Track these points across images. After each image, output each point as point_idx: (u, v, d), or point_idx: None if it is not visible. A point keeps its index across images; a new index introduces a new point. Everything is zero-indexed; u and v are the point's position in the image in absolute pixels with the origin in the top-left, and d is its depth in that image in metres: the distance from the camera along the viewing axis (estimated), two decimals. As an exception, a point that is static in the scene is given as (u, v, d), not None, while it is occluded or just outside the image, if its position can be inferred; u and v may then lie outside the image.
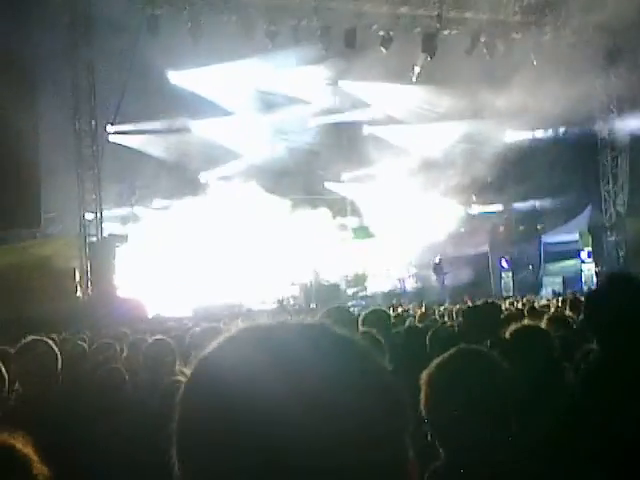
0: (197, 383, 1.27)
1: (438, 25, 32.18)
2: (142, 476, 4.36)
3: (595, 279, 31.52)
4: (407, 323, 10.81)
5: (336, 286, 30.93)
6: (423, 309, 16.07)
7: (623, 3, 25.76)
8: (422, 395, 2.98)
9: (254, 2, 30.41)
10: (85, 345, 10.49)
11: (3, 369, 5.30)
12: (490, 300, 8.25)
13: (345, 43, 31.91)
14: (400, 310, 17.99)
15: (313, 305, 27.44)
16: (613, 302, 3.79)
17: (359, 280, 32.50)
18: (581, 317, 4.08)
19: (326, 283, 30.59)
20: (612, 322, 3.77)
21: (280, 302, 29.39)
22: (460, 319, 7.71)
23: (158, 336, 7.28)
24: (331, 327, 1.31)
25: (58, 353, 5.31)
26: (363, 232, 36.63)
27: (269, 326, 1.29)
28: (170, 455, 1.26)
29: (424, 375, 3.03)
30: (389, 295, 30.66)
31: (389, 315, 7.07)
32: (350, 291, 31.76)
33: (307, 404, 1.18)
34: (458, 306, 14.65)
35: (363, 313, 7.03)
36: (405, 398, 1.30)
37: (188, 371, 1.31)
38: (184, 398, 1.26)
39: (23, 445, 2.51)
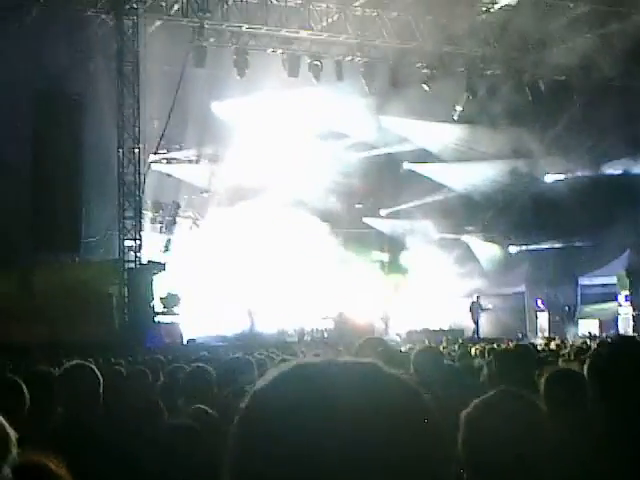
0: (252, 418, 1.29)
1: (482, 65, 32.27)
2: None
3: (632, 323, 31.24)
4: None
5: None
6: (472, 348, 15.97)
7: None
8: (460, 435, 2.98)
9: (299, 37, 30.69)
10: (123, 370, 10.60)
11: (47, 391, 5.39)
12: (524, 343, 8.24)
13: (389, 80, 32.07)
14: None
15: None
16: (618, 369, 3.75)
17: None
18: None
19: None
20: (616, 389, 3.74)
21: (304, 334, 29.44)
22: (492, 359, 7.71)
23: (198, 364, 7.34)
24: (381, 366, 1.33)
25: (100, 378, 5.39)
26: (398, 268, 36.60)
27: (321, 364, 1.32)
28: None
29: (463, 415, 3.03)
30: (422, 332, 30.48)
31: (441, 354, 7.06)
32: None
33: (359, 443, 1.21)
34: (495, 345, 14.61)
35: (414, 351, 7.05)
36: (451, 439, 1.34)
37: (242, 404, 1.33)
38: (238, 432, 1.29)
39: (57, 466, 2.57)
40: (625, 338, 3.57)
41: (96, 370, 5.44)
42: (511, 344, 12.66)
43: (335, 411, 1.23)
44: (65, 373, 5.42)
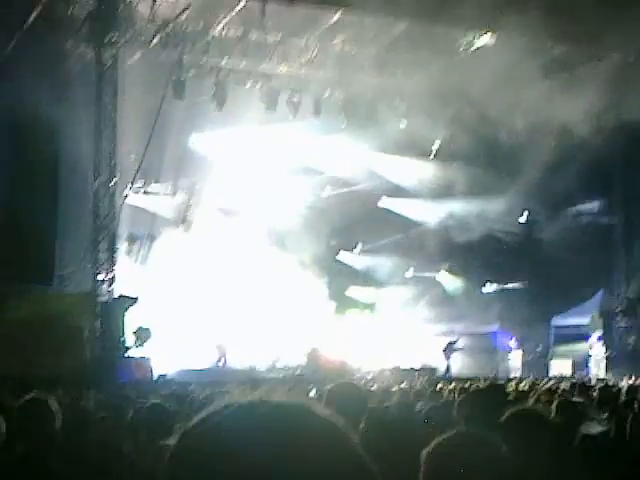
0: (178, 456, 1.30)
1: (459, 103, 32.49)
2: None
3: (604, 364, 31.34)
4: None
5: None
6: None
7: None
8: (421, 473, 2.98)
9: (278, 72, 30.83)
10: (88, 405, 10.48)
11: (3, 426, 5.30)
12: (496, 383, 8.22)
13: (367, 116, 32.26)
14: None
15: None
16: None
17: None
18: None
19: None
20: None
21: (275, 370, 29.32)
22: (463, 399, 7.67)
23: (156, 400, 7.27)
24: (311, 407, 1.33)
25: (57, 413, 5.30)
26: (371, 304, 36.63)
27: (250, 405, 1.31)
28: None
29: (424, 454, 3.03)
30: (392, 372, 30.35)
31: (407, 393, 7.03)
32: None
33: None
34: (468, 384, 14.56)
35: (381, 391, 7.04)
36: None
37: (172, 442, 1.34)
38: (166, 469, 1.30)
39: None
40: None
41: (53, 404, 5.35)
42: (482, 383, 12.62)
43: (263, 451, 1.23)
44: (21, 407, 5.34)
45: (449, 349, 31.55)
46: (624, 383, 17.98)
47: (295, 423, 1.28)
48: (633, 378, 22.82)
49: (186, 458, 1.28)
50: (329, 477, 1.25)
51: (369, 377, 26.44)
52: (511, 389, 13.12)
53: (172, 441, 1.34)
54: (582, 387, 13.11)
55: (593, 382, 18.41)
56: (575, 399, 8.66)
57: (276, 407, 1.31)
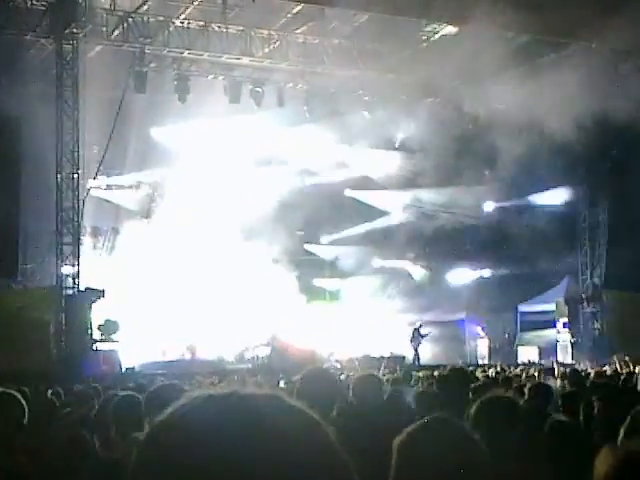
0: (147, 451, 1.27)
1: (422, 93, 32.53)
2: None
3: (570, 350, 31.58)
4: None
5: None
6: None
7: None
8: (393, 461, 2.96)
9: (241, 64, 30.71)
10: (55, 399, 10.39)
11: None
12: (458, 366, 8.23)
13: (329, 107, 32.28)
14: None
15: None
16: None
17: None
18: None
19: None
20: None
21: (243, 360, 29.28)
22: (430, 384, 7.68)
23: (127, 392, 7.21)
24: (284, 397, 1.31)
25: (25, 407, 5.24)
26: (338, 294, 36.74)
27: (222, 396, 1.29)
28: None
29: (396, 442, 3.01)
30: (362, 359, 30.41)
31: (380, 380, 7.00)
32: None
33: (255, 475, 1.19)
34: (436, 372, 14.61)
35: (352, 379, 7.00)
36: (353, 473, 1.29)
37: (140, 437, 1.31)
38: (134, 465, 1.27)
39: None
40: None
41: (21, 398, 5.29)
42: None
43: (234, 443, 1.20)
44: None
45: (416, 336, 31.58)
46: (589, 369, 18.11)
47: (268, 414, 1.26)
48: (597, 364, 23.04)
49: (156, 450, 1.25)
50: (303, 468, 1.22)
51: (338, 366, 26.50)
52: (480, 375, 13.19)
53: (142, 434, 1.31)
54: (548, 372, 13.21)
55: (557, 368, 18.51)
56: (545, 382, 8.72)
57: (248, 398, 1.29)
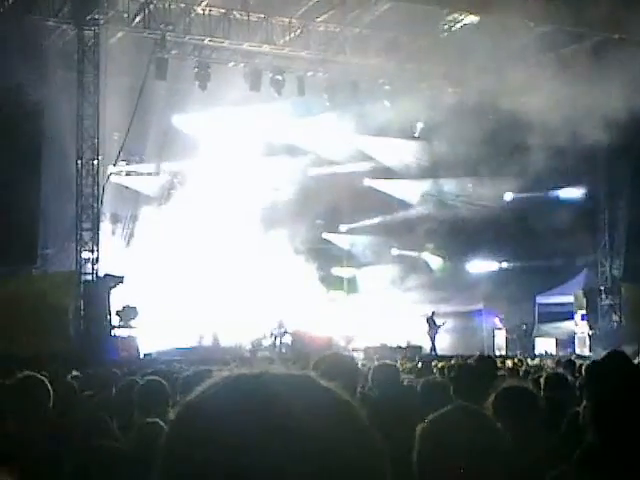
0: (180, 430, 1.27)
1: (444, 82, 32.45)
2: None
3: (588, 342, 31.48)
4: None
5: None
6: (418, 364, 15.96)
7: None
8: (415, 448, 2.97)
9: (261, 52, 30.69)
10: (75, 384, 10.45)
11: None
12: (486, 355, 8.22)
13: (350, 96, 32.22)
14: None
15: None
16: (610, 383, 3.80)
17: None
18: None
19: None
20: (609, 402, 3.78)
21: (260, 349, 29.27)
22: (453, 375, 7.68)
23: (151, 377, 7.24)
24: (314, 378, 1.32)
25: (51, 391, 5.29)
26: (356, 284, 36.74)
27: (253, 375, 1.29)
28: None
29: (418, 429, 3.03)
30: (380, 349, 30.43)
31: (398, 370, 7.02)
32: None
33: (291, 453, 1.19)
34: (453, 361, 14.58)
35: (372, 368, 7.02)
36: (385, 453, 1.30)
37: (172, 416, 1.31)
38: (166, 445, 1.27)
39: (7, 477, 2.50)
40: (614, 354, 3.55)
41: (47, 383, 5.34)
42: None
43: (267, 421, 1.21)
44: (15, 384, 5.32)
45: (432, 326, 31.50)
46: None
47: (300, 393, 1.26)
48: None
49: (188, 429, 1.25)
50: (337, 447, 1.23)
51: (355, 355, 26.52)
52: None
53: (171, 415, 1.31)
54: (568, 364, 13.17)
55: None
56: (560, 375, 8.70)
57: (279, 377, 1.30)
